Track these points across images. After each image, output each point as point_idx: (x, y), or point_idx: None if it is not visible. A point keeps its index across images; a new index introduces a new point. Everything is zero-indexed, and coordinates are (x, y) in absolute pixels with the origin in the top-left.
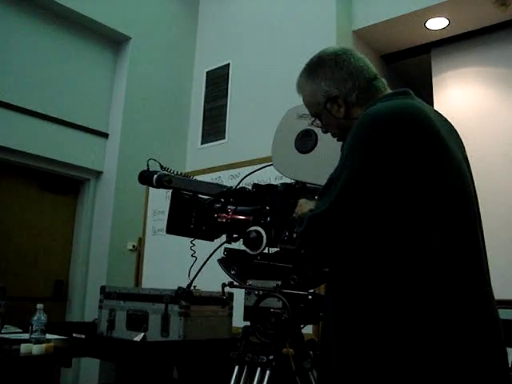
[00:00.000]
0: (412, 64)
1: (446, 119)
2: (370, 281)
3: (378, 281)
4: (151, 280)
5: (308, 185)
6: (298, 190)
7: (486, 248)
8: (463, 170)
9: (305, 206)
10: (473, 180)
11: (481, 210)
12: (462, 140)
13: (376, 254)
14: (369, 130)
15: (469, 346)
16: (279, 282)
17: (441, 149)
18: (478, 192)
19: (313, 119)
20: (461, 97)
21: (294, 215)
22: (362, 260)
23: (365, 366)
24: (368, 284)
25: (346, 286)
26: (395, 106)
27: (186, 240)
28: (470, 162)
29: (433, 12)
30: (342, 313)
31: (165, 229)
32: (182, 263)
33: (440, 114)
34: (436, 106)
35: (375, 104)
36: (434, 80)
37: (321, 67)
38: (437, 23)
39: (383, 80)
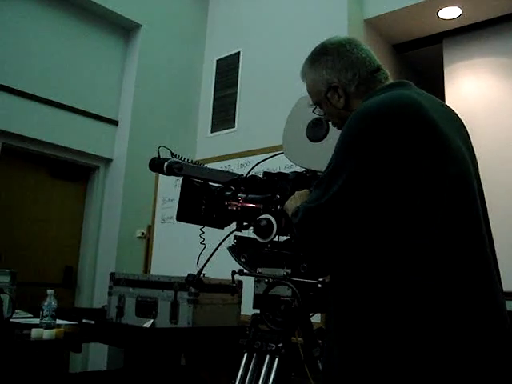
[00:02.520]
0: (424, 54)
1: (447, 108)
2: (367, 273)
3: (375, 273)
4: (159, 268)
5: (319, 173)
6: (309, 178)
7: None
8: (462, 159)
9: (293, 201)
10: (477, 170)
11: (490, 202)
12: (473, 130)
13: (372, 248)
14: (359, 127)
15: (468, 336)
16: (289, 270)
17: (435, 138)
18: (487, 184)
19: (314, 106)
20: (472, 87)
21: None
22: (358, 253)
23: (363, 357)
24: (365, 276)
25: (344, 277)
26: (385, 100)
27: (195, 228)
28: (481, 152)
29: (446, 1)
30: (341, 304)
31: (175, 216)
32: (191, 251)
33: (440, 103)
34: (447, 97)
35: (371, 97)
36: (446, 70)
37: (323, 56)
38: (450, 13)
39: (386, 71)
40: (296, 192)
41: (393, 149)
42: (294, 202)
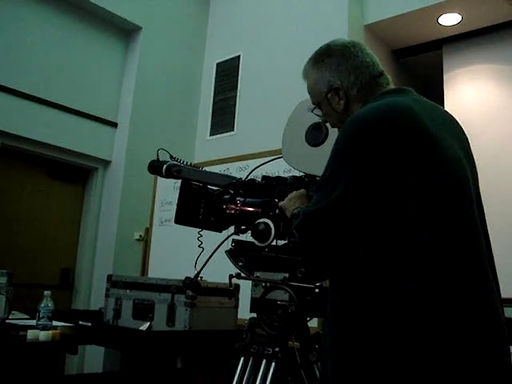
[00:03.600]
0: (423, 60)
1: (446, 115)
2: (364, 277)
3: (372, 277)
4: (157, 270)
5: (317, 178)
6: (308, 183)
7: (495, 245)
8: (459, 166)
9: (292, 202)
10: (476, 177)
11: (488, 208)
12: (472, 136)
13: (368, 253)
14: (353, 134)
15: (461, 339)
16: (286, 275)
17: (428, 146)
18: (487, 189)
19: (313, 107)
20: (472, 93)
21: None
22: (355, 258)
23: (357, 361)
24: (362, 280)
25: (342, 282)
26: (379, 107)
27: (193, 231)
28: (480, 158)
29: (446, 8)
30: (338, 308)
31: (173, 219)
32: (188, 254)
33: (439, 110)
34: (447, 103)
35: (369, 102)
36: (445, 76)
37: (327, 57)
38: (449, 19)
39: (388, 76)
40: (294, 192)
41: (386, 156)
42: (293, 202)
